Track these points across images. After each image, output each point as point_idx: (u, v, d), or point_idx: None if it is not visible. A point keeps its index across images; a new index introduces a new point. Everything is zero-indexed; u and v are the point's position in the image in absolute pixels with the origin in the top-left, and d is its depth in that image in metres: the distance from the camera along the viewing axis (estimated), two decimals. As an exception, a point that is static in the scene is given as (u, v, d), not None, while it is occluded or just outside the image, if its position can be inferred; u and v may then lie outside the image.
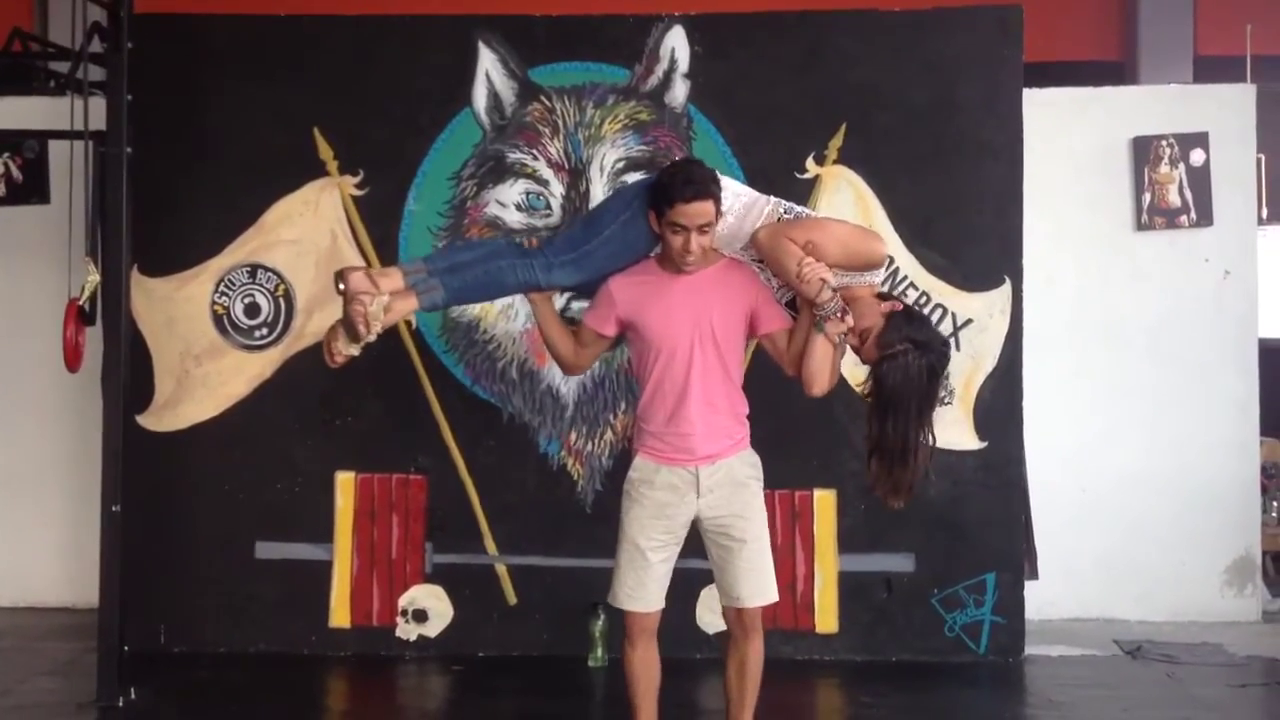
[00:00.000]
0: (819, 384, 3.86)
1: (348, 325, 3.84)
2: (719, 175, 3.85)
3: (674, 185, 3.75)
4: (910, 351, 3.71)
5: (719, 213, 3.80)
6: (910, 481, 3.79)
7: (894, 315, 3.78)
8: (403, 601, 5.54)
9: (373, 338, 3.87)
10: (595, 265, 3.96)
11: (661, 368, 3.90)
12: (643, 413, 3.98)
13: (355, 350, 3.91)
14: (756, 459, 4.00)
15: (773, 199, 3.90)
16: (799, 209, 3.92)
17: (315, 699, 5.24)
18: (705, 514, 3.91)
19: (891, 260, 5.43)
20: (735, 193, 3.89)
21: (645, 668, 3.97)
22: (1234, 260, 6.10)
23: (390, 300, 3.86)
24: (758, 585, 3.92)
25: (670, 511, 3.90)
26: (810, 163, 5.47)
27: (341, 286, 3.86)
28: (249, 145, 5.56)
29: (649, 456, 3.95)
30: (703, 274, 3.90)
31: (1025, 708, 5.10)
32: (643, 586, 3.91)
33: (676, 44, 5.49)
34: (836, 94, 5.51)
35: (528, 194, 5.50)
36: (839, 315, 3.76)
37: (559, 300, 5.37)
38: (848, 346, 3.85)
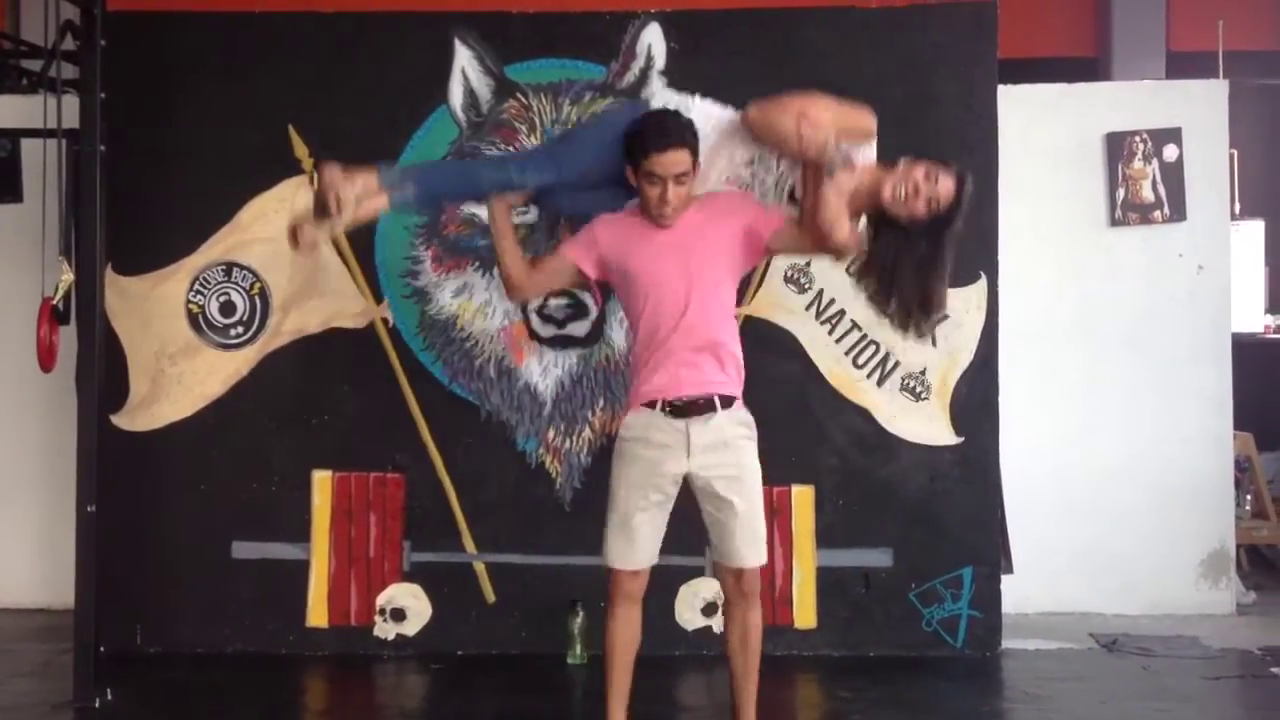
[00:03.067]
0: (839, 230, 3.76)
1: (318, 201, 3.92)
2: (694, 124, 3.84)
3: (647, 135, 3.75)
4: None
5: (696, 164, 3.78)
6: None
7: (917, 158, 3.85)
8: (381, 600, 5.53)
9: (339, 225, 3.95)
10: (572, 169, 3.96)
11: (651, 311, 3.87)
12: (636, 358, 3.96)
13: (321, 235, 3.98)
14: (749, 417, 3.97)
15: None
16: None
17: (293, 699, 5.22)
18: (696, 473, 3.89)
19: (868, 256, 5.45)
20: (709, 114, 3.94)
21: (625, 629, 3.95)
22: (1207, 255, 6.13)
23: (363, 192, 3.94)
24: (749, 545, 3.91)
25: (661, 470, 3.88)
26: (787, 159, 5.48)
27: (316, 178, 3.97)
28: (224, 143, 5.53)
29: (641, 408, 3.90)
30: (683, 218, 3.86)
31: (1003, 701, 5.13)
32: (632, 546, 3.90)
33: (653, 40, 5.48)
34: (812, 90, 5.49)
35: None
36: (848, 164, 3.76)
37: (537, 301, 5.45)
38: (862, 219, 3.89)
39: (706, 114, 3.96)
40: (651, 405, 3.89)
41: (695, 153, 3.77)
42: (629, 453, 3.93)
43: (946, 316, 4.01)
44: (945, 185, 3.79)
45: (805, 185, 3.85)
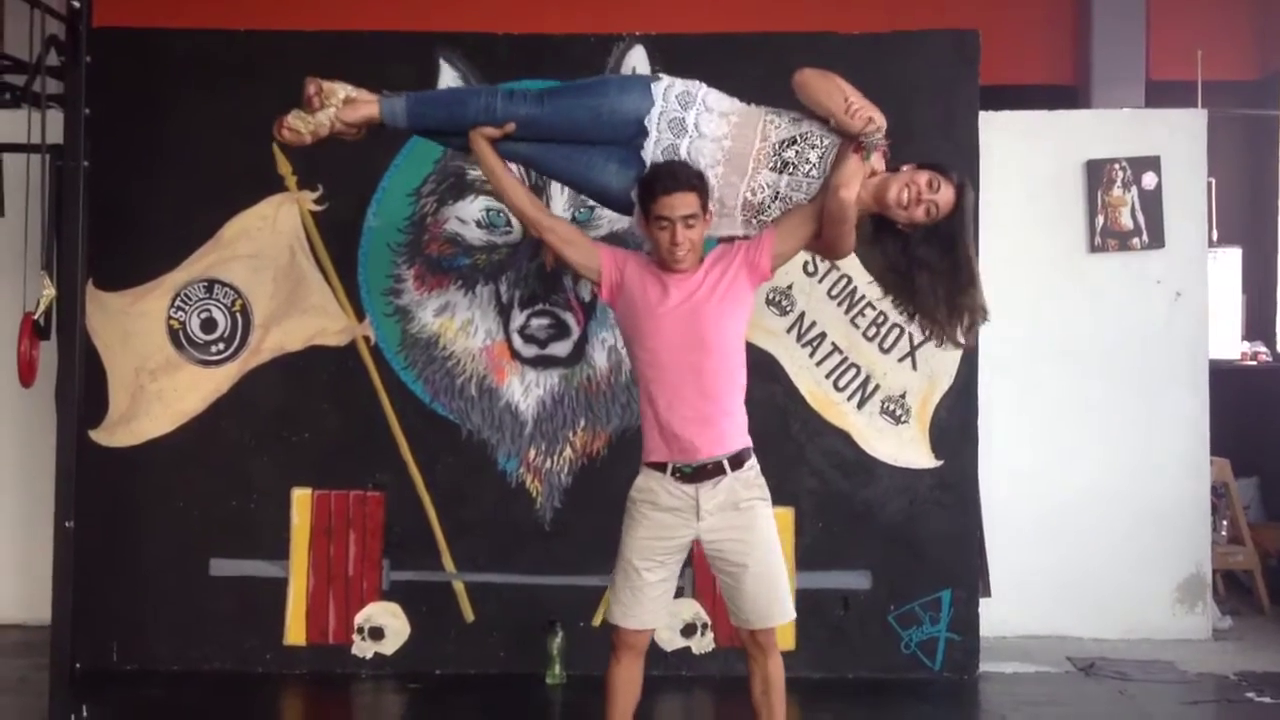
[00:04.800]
0: (846, 190, 3.77)
1: (305, 97, 4.02)
2: (705, 174, 3.85)
3: (656, 180, 3.81)
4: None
5: (706, 210, 3.82)
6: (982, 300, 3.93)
7: (920, 166, 3.87)
8: (359, 619, 5.51)
9: (324, 120, 4.02)
10: (556, 108, 3.96)
11: (659, 376, 3.86)
12: (642, 406, 3.93)
13: (301, 127, 4.03)
14: (761, 480, 3.94)
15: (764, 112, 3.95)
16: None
17: (270, 718, 5.21)
18: (706, 537, 3.88)
19: (850, 280, 5.48)
20: (723, 112, 3.92)
21: (626, 684, 3.95)
22: (1185, 282, 6.17)
23: (355, 93, 4.04)
24: (765, 608, 3.88)
25: (670, 534, 3.88)
26: (769, 182, 5.50)
27: (311, 90, 4.03)
28: (207, 160, 5.54)
29: (650, 470, 3.89)
30: (694, 277, 3.87)
31: (980, 725, 5.15)
32: (638, 604, 3.89)
33: (638, 64, 5.51)
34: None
35: (488, 211, 5.49)
36: (882, 148, 3.81)
37: (520, 317, 5.46)
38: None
39: (717, 98, 3.97)
40: (660, 468, 3.89)
41: (704, 198, 3.81)
42: (638, 514, 3.91)
43: (986, 320, 4.00)
44: (945, 194, 3.84)
45: (839, 156, 3.86)
